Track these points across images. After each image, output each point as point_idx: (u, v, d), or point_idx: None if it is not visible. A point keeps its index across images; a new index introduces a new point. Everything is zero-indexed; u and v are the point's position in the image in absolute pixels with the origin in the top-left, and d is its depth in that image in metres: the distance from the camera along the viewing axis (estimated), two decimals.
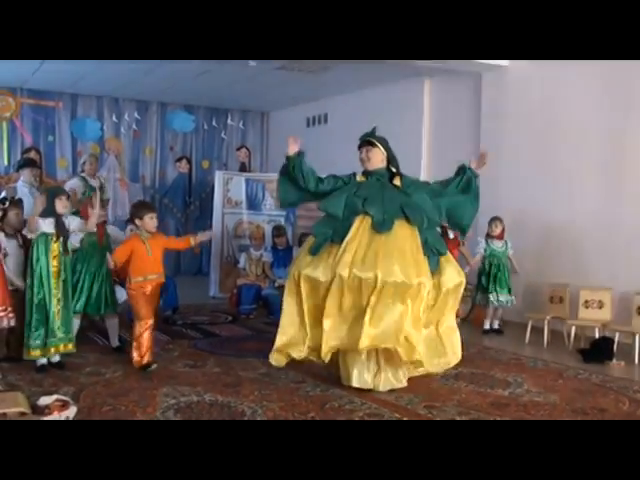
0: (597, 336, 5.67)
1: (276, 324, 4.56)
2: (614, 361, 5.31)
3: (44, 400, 3.69)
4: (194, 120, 10.99)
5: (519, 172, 7.05)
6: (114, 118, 10.39)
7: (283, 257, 7.73)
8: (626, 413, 4.10)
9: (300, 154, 4.63)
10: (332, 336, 4.24)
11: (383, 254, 4.18)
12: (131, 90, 9.71)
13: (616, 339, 5.51)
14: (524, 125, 7.04)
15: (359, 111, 9.12)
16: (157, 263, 4.89)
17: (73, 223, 4.88)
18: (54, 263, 4.66)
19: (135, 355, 4.78)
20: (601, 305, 5.90)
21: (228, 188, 8.66)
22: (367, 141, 4.59)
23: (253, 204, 8.61)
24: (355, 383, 4.33)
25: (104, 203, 5.59)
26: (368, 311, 4.13)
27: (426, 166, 8.39)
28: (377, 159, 4.56)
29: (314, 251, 4.33)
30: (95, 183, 7.95)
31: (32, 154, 8.24)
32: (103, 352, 5.36)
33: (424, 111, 8.50)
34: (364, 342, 4.13)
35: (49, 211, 4.65)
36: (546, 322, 6.03)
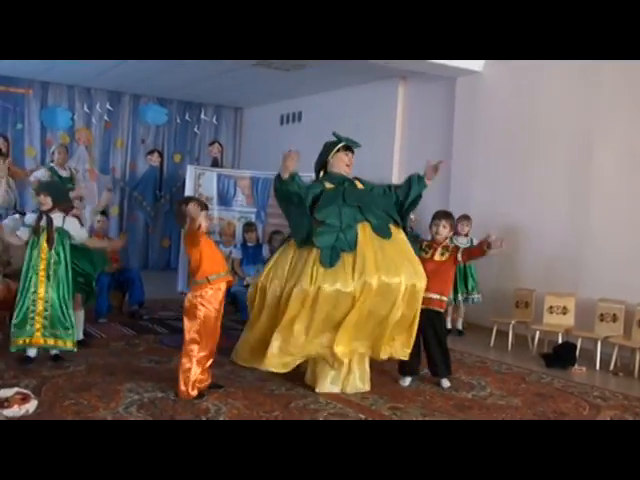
0: (560, 341, 5.76)
1: (244, 322, 4.55)
2: (576, 366, 5.40)
3: (4, 393, 3.64)
4: (167, 113, 10.90)
5: (490, 176, 7.13)
6: (85, 108, 10.24)
7: (253, 254, 7.70)
8: (586, 418, 4.17)
9: (294, 177, 4.37)
10: (355, 338, 4.28)
11: (398, 258, 4.27)
12: (103, 80, 9.58)
13: (579, 345, 5.60)
14: (496, 129, 7.12)
15: (333, 110, 9.14)
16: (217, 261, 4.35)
17: (72, 226, 4.85)
18: (42, 256, 4.67)
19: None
20: (565, 311, 5.99)
21: (199, 183, 8.58)
22: (351, 149, 4.60)
23: (224, 200, 8.55)
24: (324, 390, 4.33)
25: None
26: (389, 321, 4.21)
27: (398, 167, 8.44)
28: (352, 168, 4.64)
29: (330, 264, 4.18)
30: (65, 174, 7.86)
31: None
32: None
33: (397, 113, 8.55)
34: (385, 353, 4.35)
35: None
36: (511, 326, 6.10)
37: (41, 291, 4.63)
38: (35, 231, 4.69)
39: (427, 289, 4.37)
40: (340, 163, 4.55)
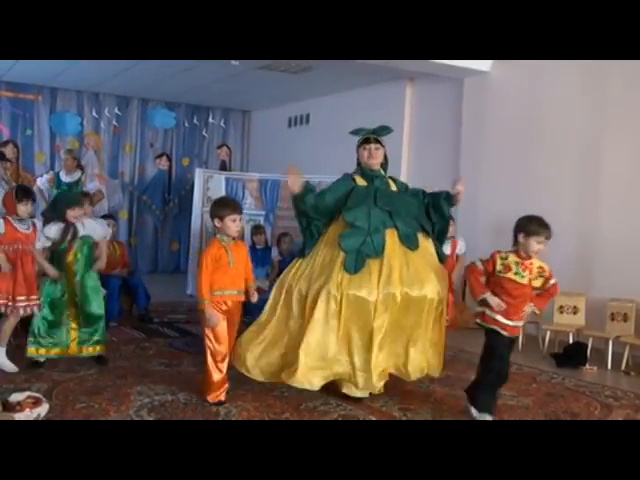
0: (571, 341, 5.73)
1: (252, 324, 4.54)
2: (587, 366, 5.38)
3: (15, 397, 3.64)
4: (175, 117, 10.93)
5: (498, 175, 7.11)
6: (94, 113, 10.29)
7: (262, 257, 7.71)
8: (597, 418, 4.14)
9: (307, 189, 4.32)
10: (383, 359, 4.07)
11: (423, 271, 4.11)
12: (112, 85, 9.63)
13: (589, 344, 5.58)
14: (504, 130, 7.10)
15: (341, 112, 9.14)
16: (240, 276, 4.07)
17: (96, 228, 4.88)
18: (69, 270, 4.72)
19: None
20: (575, 310, 5.96)
21: (208, 186, 8.63)
22: (376, 138, 4.41)
23: None
24: (353, 394, 4.14)
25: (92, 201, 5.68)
26: (419, 336, 4.08)
27: (406, 168, 8.43)
28: (380, 159, 4.44)
29: (355, 270, 4.00)
30: (69, 179, 7.91)
31: (9, 148, 8.17)
32: None
33: (405, 114, 8.54)
34: (417, 372, 4.14)
35: (58, 217, 4.71)
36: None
37: (72, 307, 4.75)
38: (63, 246, 4.69)
39: (510, 314, 3.77)
40: (362, 159, 4.43)
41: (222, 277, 3.93)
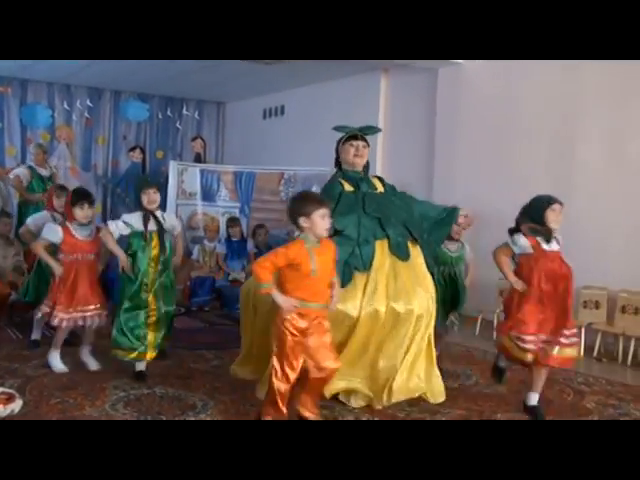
0: None
1: (228, 316, 4.52)
2: None
3: None
4: (148, 109, 10.82)
5: (473, 168, 7.15)
6: (65, 105, 10.13)
7: (237, 249, 7.71)
8: (570, 404, 4.22)
9: None
10: (345, 375, 3.80)
11: (411, 284, 3.88)
12: (83, 77, 9.49)
13: None
14: (478, 121, 7.15)
15: (316, 104, 9.11)
16: (325, 286, 3.39)
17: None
18: (152, 266, 4.29)
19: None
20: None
21: (182, 179, 8.57)
22: (362, 136, 4.17)
23: (208, 195, 8.54)
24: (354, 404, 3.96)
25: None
26: (405, 355, 3.83)
27: (381, 159, 8.44)
28: (365, 158, 4.18)
29: (343, 282, 3.70)
30: (45, 172, 7.81)
31: None
32: (51, 344, 5.24)
33: (380, 105, 8.54)
34: (398, 395, 3.84)
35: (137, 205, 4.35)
36: (495, 315, 6.14)
37: (153, 308, 4.30)
38: (145, 236, 4.27)
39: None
40: (347, 155, 4.13)
41: (300, 287, 3.29)
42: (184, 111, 11.13)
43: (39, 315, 4.63)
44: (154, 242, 4.29)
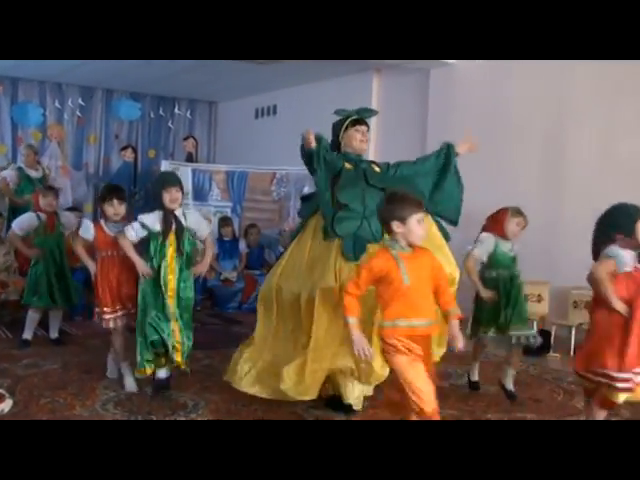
0: (535, 329, 5.82)
1: (219, 316, 4.52)
2: (551, 353, 5.48)
3: None
4: (140, 108, 10.80)
5: (464, 166, 7.12)
6: (57, 104, 10.09)
7: (229, 249, 7.71)
8: (560, 403, 4.24)
9: (320, 140, 3.80)
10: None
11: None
12: (75, 76, 9.45)
13: (553, 332, 5.67)
14: (471, 121, 7.15)
15: (308, 104, 9.11)
16: (425, 298, 2.94)
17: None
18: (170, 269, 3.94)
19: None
20: (540, 299, 6.05)
21: None
22: (366, 122, 4.05)
23: (199, 195, 8.53)
24: (356, 398, 3.75)
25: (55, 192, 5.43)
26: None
27: (373, 159, 8.45)
28: (367, 143, 4.11)
29: (355, 256, 3.56)
30: (35, 174, 7.77)
31: None
32: (41, 344, 5.23)
33: (372, 105, 8.52)
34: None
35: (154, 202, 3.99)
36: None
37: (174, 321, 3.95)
38: (164, 236, 3.92)
39: None
40: (352, 141, 3.99)
41: (394, 300, 2.89)
42: (176, 110, 11.12)
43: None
44: (171, 243, 3.94)
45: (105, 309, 4.13)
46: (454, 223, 4.28)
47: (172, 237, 3.92)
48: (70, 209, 7.14)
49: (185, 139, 10.32)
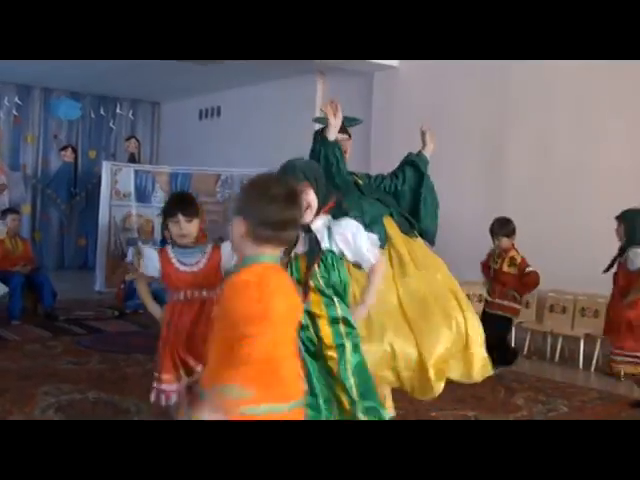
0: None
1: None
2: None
3: None
4: (80, 108, 10.56)
5: None
6: None
7: None
8: (501, 401, 4.33)
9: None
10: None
11: (431, 257, 3.83)
12: (11, 73, 9.18)
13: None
14: (413, 124, 7.23)
15: (252, 105, 9.09)
16: None
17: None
18: None
19: None
20: (480, 299, 6.18)
21: (116, 179, 8.40)
22: (347, 131, 3.90)
23: (142, 196, 8.40)
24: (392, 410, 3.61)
25: None
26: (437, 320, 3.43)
27: None
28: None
29: None
30: None
31: None
32: None
33: (316, 108, 8.58)
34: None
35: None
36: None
37: None
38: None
39: None
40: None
41: None
42: (118, 110, 10.94)
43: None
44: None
45: (163, 376, 2.91)
46: (432, 243, 4.20)
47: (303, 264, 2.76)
48: (7, 211, 6.94)
49: (127, 140, 10.16)
